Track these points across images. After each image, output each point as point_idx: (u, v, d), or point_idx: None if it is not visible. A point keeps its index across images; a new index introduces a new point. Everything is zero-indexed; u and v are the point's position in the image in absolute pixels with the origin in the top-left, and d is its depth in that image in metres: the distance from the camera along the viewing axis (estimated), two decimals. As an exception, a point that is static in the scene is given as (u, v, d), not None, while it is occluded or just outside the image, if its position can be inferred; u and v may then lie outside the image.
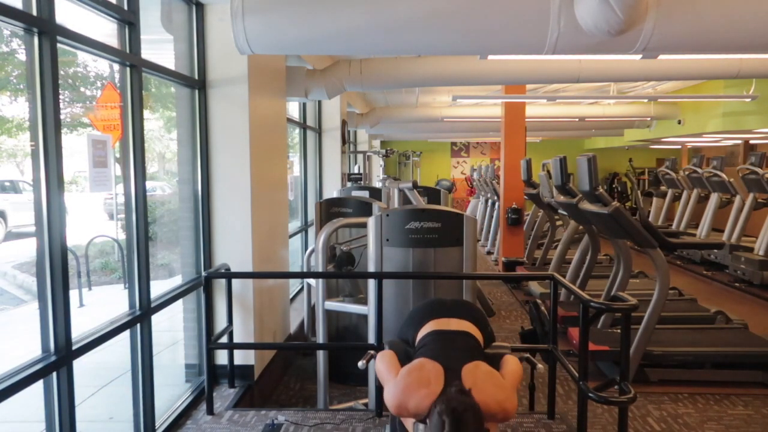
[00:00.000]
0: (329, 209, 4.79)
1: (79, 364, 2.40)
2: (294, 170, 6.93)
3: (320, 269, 3.96)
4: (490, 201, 11.68)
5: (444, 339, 2.29)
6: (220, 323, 3.77)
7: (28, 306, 5.95)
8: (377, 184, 8.93)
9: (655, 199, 11.00)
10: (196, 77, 3.76)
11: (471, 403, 1.88)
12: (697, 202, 9.37)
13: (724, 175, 8.43)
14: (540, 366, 2.35)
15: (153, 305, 3.10)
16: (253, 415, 3.42)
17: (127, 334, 2.90)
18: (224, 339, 3.70)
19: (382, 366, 2.28)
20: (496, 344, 2.39)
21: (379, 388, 3.29)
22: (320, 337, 3.96)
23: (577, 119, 11.25)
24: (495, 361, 2.26)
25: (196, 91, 3.77)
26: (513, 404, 2.06)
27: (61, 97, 2.26)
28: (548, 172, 6.51)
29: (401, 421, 2.55)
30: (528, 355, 2.39)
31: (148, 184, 3.07)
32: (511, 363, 2.25)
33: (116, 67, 2.97)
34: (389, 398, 2.10)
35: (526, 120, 8.47)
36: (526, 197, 8.36)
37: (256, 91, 4.00)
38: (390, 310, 3.45)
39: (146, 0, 3.17)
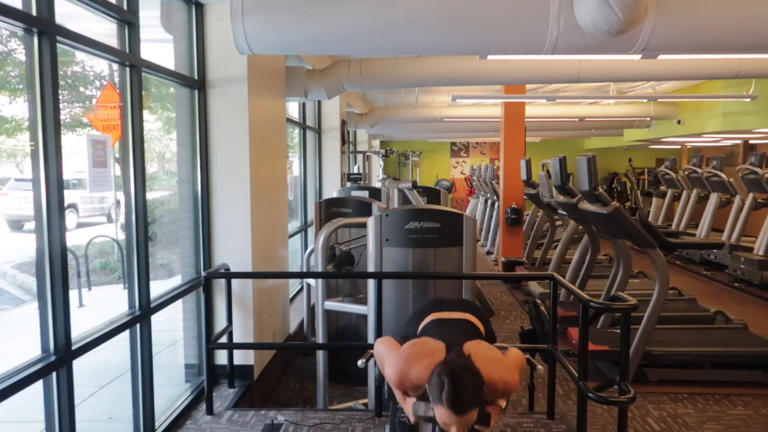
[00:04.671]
0: (329, 209, 4.79)
1: (78, 364, 2.40)
2: (293, 170, 6.93)
3: (320, 269, 3.96)
4: (489, 201, 11.69)
5: (446, 324, 2.27)
6: (220, 323, 3.77)
7: (28, 306, 5.95)
8: (377, 184, 8.93)
9: (654, 199, 11.00)
10: (196, 77, 3.76)
11: (470, 365, 1.84)
12: (697, 202, 9.37)
13: (723, 175, 8.43)
14: (539, 366, 2.34)
15: (152, 305, 3.10)
16: (252, 415, 3.42)
17: (126, 334, 2.90)
18: (224, 339, 3.70)
19: (381, 347, 2.22)
20: (495, 344, 2.39)
21: (379, 389, 3.30)
22: (320, 337, 3.95)
23: (576, 119, 11.26)
24: None
25: (196, 92, 3.77)
26: (514, 379, 2.00)
27: (60, 97, 2.26)
28: (548, 172, 6.52)
29: (400, 421, 2.55)
30: (527, 355, 2.38)
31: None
32: (514, 351, 2.23)
33: (116, 67, 2.97)
34: (391, 370, 2.02)
35: (526, 120, 8.46)
36: (525, 197, 8.37)
37: (256, 91, 4.00)
38: (390, 310, 3.45)
39: (146, 0, 3.17)
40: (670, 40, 2.97)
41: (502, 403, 1.99)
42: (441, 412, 1.80)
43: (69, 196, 7.53)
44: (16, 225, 7.05)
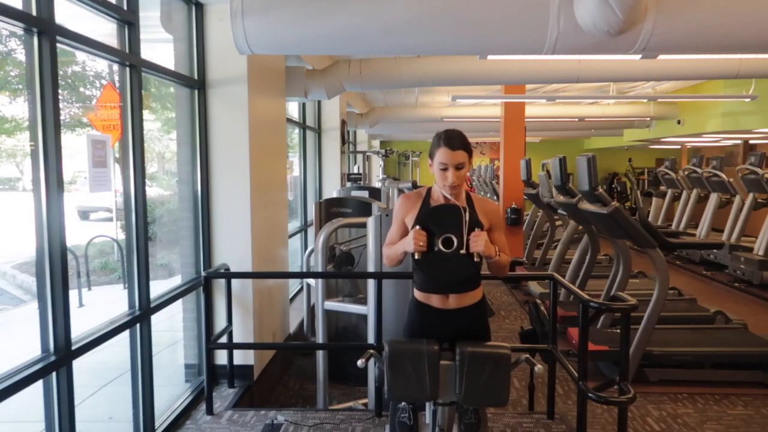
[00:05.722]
0: (329, 209, 4.79)
1: (78, 364, 2.40)
2: (293, 170, 6.93)
3: (320, 269, 3.96)
4: (489, 201, 11.66)
5: None
6: (220, 323, 3.77)
7: (28, 306, 5.96)
8: (377, 184, 8.94)
9: (654, 199, 11.00)
10: (196, 77, 3.76)
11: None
12: (697, 202, 9.37)
13: (723, 175, 8.43)
14: (539, 366, 2.33)
15: (152, 305, 3.10)
16: (252, 415, 3.42)
17: (126, 334, 2.90)
18: (224, 339, 3.70)
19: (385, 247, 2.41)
20: (494, 344, 2.38)
21: (379, 389, 3.29)
22: (320, 337, 3.96)
23: (576, 119, 11.25)
24: (497, 359, 2.24)
25: (196, 92, 3.77)
26: (495, 205, 2.40)
27: (60, 97, 2.26)
28: (548, 172, 6.51)
29: (400, 421, 2.54)
30: (527, 355, 2.38)
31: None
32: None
33: (116, 67, 2.97)
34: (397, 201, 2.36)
35: (526, 120, 8.46)
36: (525, 197, 8.36)
37: (256, 91, 4.00)
38: (390, 310, 3.45)
39: (146, 0, 3.17)
40: (670, 40, 2.97)
41: (483, 236, 2.19)
42: (439, 154, 2.19)
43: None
44: (84, 215, 8.74)
